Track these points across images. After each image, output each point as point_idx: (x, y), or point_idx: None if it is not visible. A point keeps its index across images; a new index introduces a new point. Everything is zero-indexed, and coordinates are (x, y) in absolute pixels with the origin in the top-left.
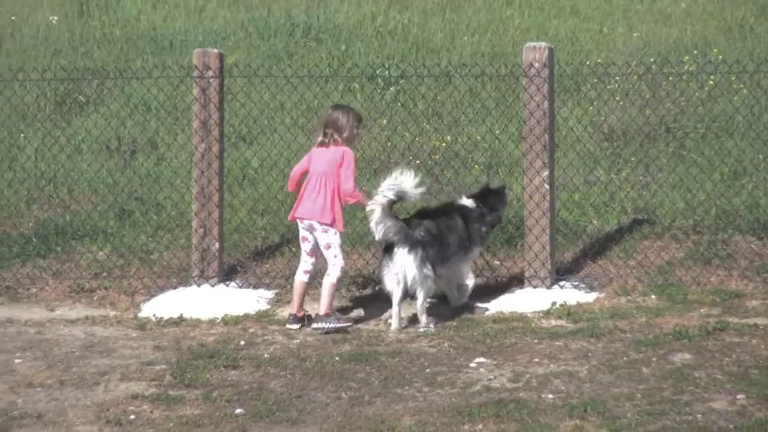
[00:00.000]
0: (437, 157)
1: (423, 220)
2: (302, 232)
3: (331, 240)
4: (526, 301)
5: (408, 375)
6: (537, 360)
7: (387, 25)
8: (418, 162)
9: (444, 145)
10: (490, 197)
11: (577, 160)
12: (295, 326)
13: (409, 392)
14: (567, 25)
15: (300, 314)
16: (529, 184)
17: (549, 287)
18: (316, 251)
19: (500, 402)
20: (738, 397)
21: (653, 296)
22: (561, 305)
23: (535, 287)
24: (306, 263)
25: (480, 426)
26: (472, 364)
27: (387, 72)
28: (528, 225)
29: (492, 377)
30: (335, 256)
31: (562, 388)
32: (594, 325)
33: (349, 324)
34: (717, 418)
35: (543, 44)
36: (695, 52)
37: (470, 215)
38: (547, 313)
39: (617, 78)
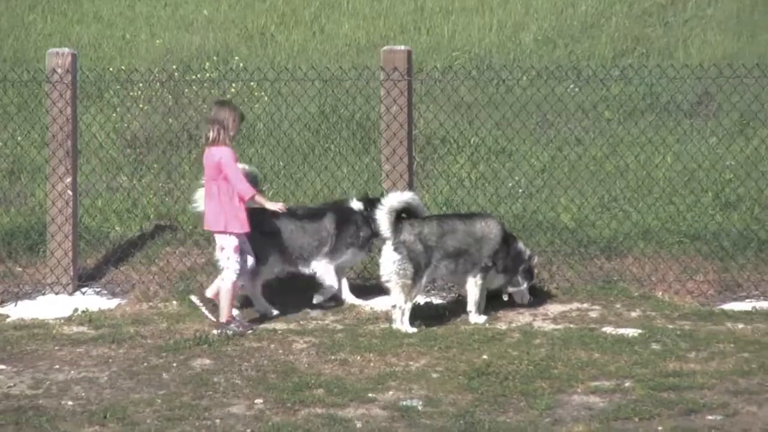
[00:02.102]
0: None
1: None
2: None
3: (222, 242)
4: (47, 307)
5: None
6: (58, 366)
7: None
8: None
9: None
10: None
11: (100, 167)
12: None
13: None
14: (90, 30)
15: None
16: (51, 191)
17: (71, 294)
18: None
19: (19, 409)
20: (256, 401)
21: (175, 302)
22: (83, 312)
23: (57, 294)
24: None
25: None
26: None
27: None
28: (50, 231)
29: (12, 384)
30: (228, 258)
31: (83, 394)
32: (116, 331)
33: (251, 329)
34: (235, 422)
35: (66, 50)
36: (215, 59)
37: (350, 218)
38: (69, 320)
39: (140, 85)
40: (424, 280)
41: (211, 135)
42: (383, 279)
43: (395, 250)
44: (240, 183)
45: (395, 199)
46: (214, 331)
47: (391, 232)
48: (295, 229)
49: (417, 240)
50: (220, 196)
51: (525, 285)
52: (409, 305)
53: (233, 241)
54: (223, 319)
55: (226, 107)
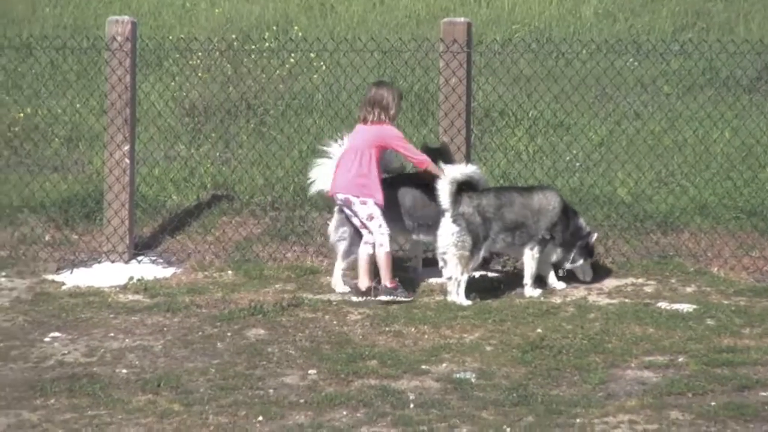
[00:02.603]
0: (16, 129)
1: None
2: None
3: (371, 211)
4: (103, 275)
5: None
6: (112, 334)
7: None
8: None
9: (22, 116)
10: (447, 155)
11: (158, 135)
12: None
13: None
14: None
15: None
16: (109, 158)
17: (127, 262)
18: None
19: (73, 377)
20: (310, 372)
21: (230, 272)
22: (138, 280)
23: (113, 262)
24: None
25: (53, 400)
26: (47, 339)
27: None
28: (107, 199)
29: (66, 352)
30: (380, 226)
31: (137, 362)
32: (171, 300)
33: (410, 298)
34: (288, 392)
35: (126, 18)
36: (275, 28)
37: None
38: (124, 288)
39: (199, 54)
40: (481, 252)
41: (370, 117)
42: (440, 251)
43: (454, 222)
44: (416, 154)
45: (458, 171)
46: (382, 297)
47: (451, 204)
48: (419, 197)
49: (476, 212)
50: (371, 168)
51: (580, 261)
52: (465, 277)
53: (378, 210)
54: (388, 284)
55: (383, 88)
